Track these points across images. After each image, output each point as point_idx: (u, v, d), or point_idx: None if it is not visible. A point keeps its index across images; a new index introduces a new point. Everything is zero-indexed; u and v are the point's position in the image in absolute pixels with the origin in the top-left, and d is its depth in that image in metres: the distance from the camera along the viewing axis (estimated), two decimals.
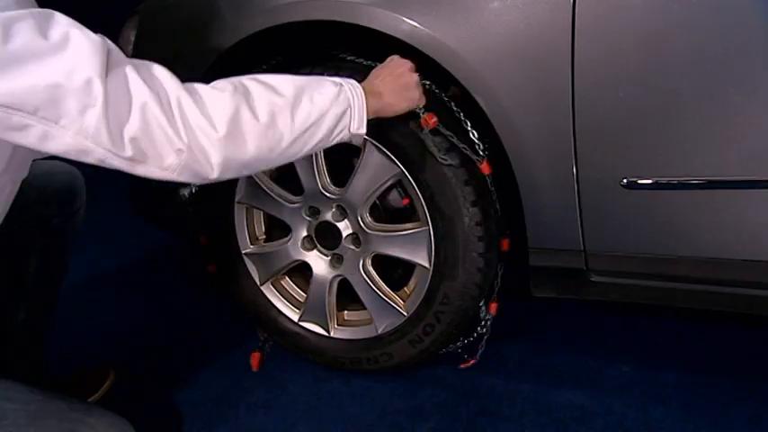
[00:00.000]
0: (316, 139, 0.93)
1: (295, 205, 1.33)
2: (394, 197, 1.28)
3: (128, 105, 0.76)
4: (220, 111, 0.82)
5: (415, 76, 1.07)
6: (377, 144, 1.19)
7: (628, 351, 1.42)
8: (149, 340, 1.61)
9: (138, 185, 1.55)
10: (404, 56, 1.09)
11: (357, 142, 1.09)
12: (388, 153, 1.18)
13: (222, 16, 1.24)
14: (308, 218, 1.33)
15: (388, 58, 1.09)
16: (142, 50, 1.39)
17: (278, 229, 1.44)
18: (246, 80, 0.89)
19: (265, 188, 1.34)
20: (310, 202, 1.31)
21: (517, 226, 1.18)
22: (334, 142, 0.98)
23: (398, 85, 1.04)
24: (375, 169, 1.21)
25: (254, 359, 1.45)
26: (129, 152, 0.77)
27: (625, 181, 1.04)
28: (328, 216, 1.30)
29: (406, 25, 1.08)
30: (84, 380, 1.40)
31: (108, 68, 0.74)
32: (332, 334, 1.38)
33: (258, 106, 0.86)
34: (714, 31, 0.94)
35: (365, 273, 1.29)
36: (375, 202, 1.26)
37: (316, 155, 1.26)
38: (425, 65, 1.10)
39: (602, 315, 1.57)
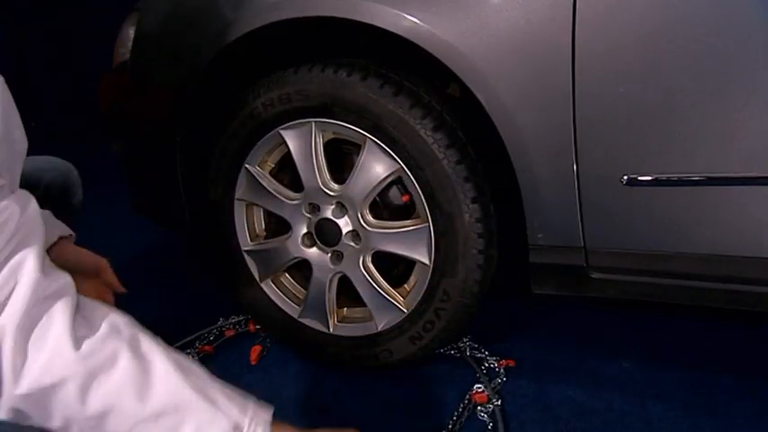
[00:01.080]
0: None
1: (295, 202, 1.32)
2: (394, 194, 1.28)
3: None
4: (42, 369, 0.64)
5: None
6: (377, 141, 1.19)
7: (628, 348, 1.42)
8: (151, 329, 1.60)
9: (137, 182, 1.55)
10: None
11: None
12: (388, 150, 1.18)
13: (222, 13, 1.24)
14: (308, 215, 1.32)
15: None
16: (142, 48, 1.39)
17: (278, 226, 1.43)
18: (131, 353, 0.69)
19: (265, 185, 1.34)
20: (310, 199, 1.30)
21: (517, 223, 1.18)
22: None
23: None
24: (375, 166, 1.21)
25: (254, 352, 1.45)
26: None
27: (625, 178, 1.04)
28: (328, 213, 1.29)
29: (406, 21, 1.08)
30: None
31: None
32: (332, 331, 1.37)
33: (98, 392, 0.66)
34: (714, 27, 0.94)
35: (365, 270, 1.29)
36: (375, 198, 1.25)
37: (315, 152, 1.26)
38: (426, 62, 1.10)
39: (603, 312, 1.56)
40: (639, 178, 1.03)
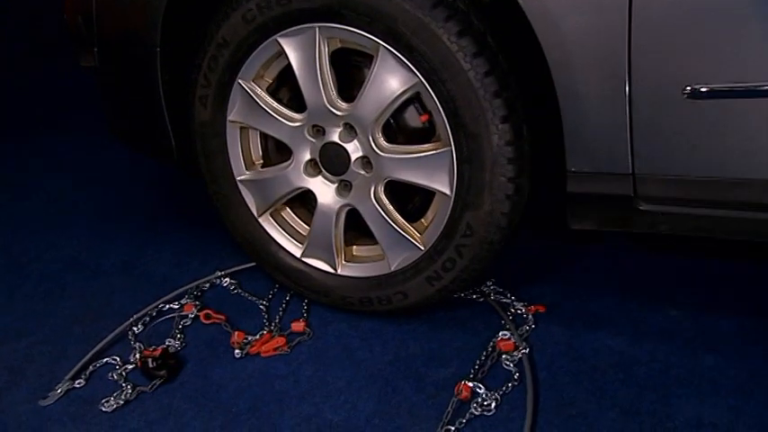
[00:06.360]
0: None
1: (297, 124, 1.29)
2: (411, 113, 1.24)
3: None
4: None
5: None
6: (391, 49, 1.14)
7: (676, 294, 1.41)
8: (131, 279, 1.60)
9: (114, 103, 1.51)
10: None
11: None
12: (405, 60, 1.13)
13: None
14: (312, 138, 1.30)
15: None
16: None
17: (277, 152, 1.41)
18: None
19: (262, 104, 1.31)
20: (314, 120, 1.27)
21: (553, 146, 1.14)
22: None
23: None
24: (389, 80, 1.17)
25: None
26: None
27: (688, 89, 0.98)
28: (335, 136, 1.27)
29: None
30: None
31: None
32: (339, 271, 1.37)
33: None
34: None
35: (377, 201, 1.26)
36: (389, 119, 1.22)
37: (320, 63, 1.21)
38: None
39: (649, 253, 1.55)
40: (704, 89, 0.98)
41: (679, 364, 1.21)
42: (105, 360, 1.30)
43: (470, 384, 1.18)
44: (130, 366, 1.28)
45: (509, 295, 1.42)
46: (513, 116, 1.13)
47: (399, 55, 1.13)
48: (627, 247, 1.57)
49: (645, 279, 1.47)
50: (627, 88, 1.02)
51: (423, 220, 1.29)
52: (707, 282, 1.45)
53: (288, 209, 1.43)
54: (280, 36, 1.23)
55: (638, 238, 1.57)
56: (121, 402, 1.19)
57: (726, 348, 1.24)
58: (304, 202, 1.42)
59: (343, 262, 1.36)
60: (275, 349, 1.31)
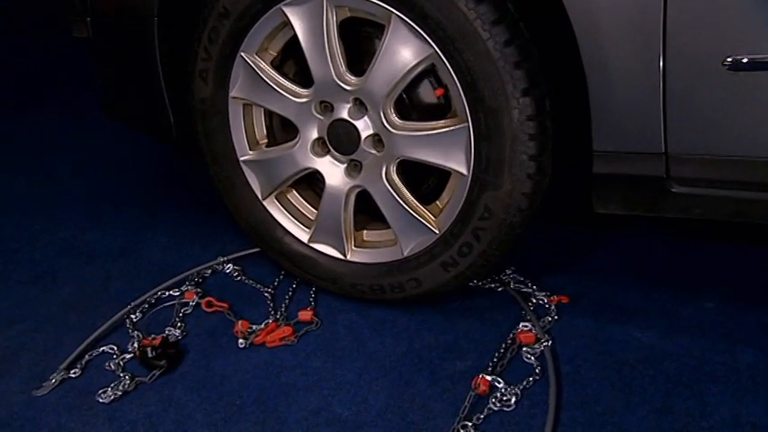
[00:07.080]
0: None
1: (303, 100, 1.29)
2: (425, 88, 1.24)
3: None
4: None
5: None
6: (404, 18, 1.13)
7: (712, 285, 1.40)
8: (128, 264, 1.60)
9: (108, 77, 1.50)
10: None
11: None
12: (419, 29, 1.12)
13: None
14: (320, 115, 1.29)
15: None
16: None
17: (283, 131, 1.41)
18: None
19: (266, 78, 1.30)
20: (322, 96, 1.27)
21: (579, 123, 1.12)
22: None
23: None
24: (402, 51, 1.16)
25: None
26: None
27: (729, 60, 0.96)
28: (344, 113, 1.26)
29: None
30: None
31: None
32: (348, 257, 1.36)
33: None
34: None
35: (389, 183, 1.26)
36: (401, 94, 1.22)
37: (327, 34, 1.20)
38: None
39: (680, 241, 1.54)
40: (746, 60, 0.96)
41: (715, 359, 1.19)
42: (102, 349, 1.30)
43: (488, 378, 1.16)
44: (128, 356, 1.28)
45: (530, 284, 1.41)
46: (535, 89, 1.11)
47: (413, 24, 1.12)
48: (657, 232, 1.56)
49: (677, 268, 1.46)
50: (661, 59, 1.00)
51: (437, 203, 1.28)
52: (744, 271, 1.43)
53: (294, 191, 1.43)
54: (284, 5, 1.22)
55: (670, 223, 1.54)
56: (119, 393, 1.18)
57: (766, 343, 1.22)
58: (311, 183, 1.42)
59: (353, 247, 1.36)
60: (281, 339, 1.30)
